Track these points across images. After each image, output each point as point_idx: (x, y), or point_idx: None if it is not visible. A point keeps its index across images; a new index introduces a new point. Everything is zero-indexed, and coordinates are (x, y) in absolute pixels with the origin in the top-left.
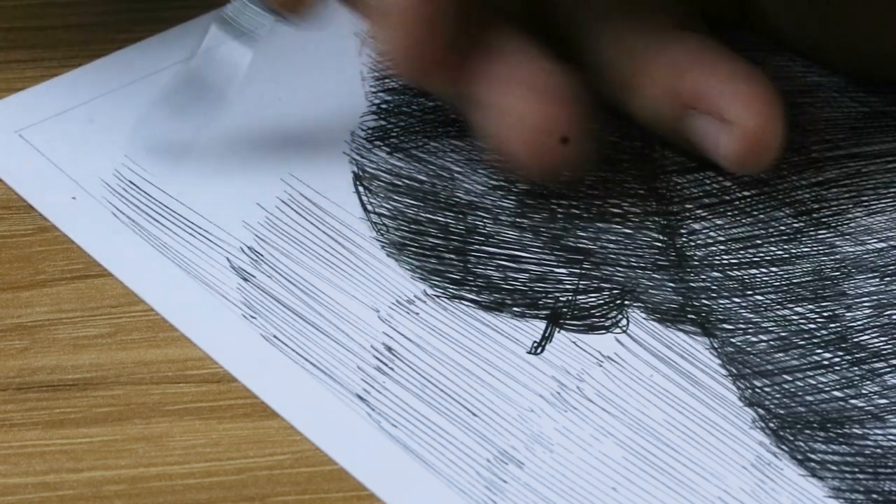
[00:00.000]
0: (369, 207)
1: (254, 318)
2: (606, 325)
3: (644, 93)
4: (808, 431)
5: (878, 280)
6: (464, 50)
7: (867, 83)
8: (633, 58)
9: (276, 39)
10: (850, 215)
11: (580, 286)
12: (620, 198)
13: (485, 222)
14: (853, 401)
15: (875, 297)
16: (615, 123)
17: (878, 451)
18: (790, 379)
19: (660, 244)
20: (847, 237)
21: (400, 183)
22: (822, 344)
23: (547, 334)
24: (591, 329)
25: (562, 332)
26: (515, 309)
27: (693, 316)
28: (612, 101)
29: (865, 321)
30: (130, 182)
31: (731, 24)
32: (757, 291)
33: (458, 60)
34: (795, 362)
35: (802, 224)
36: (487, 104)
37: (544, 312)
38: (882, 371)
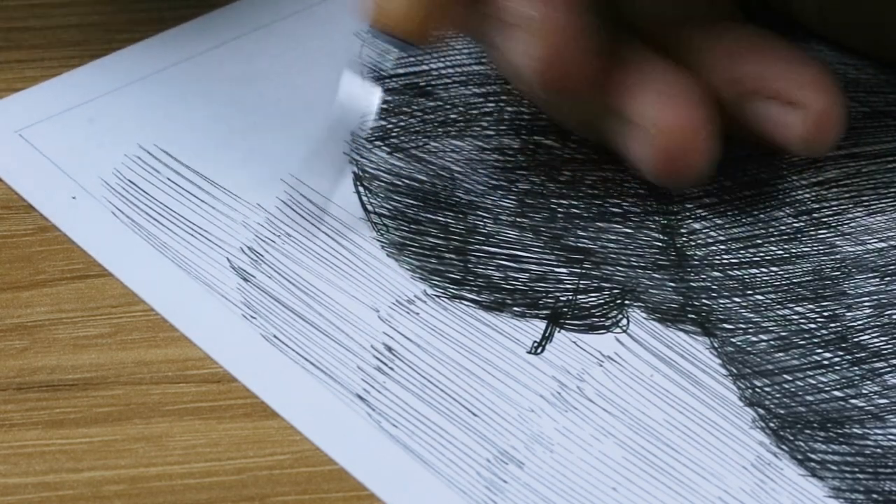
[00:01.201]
0: (369, 207)
1: (254, 318)
2: (607, 324)
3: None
4: (808, 431)
5: (878, 280)
6: (603, 61)
7: (879, 75)
8: (690, 50)
9: (277, 39)
10: (850, 215)
11: (580, 286)
12: (621, 197)
13: (485, 222)
14: (853, 400)
15: (875, 297)
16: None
17: (879, 450)
18: (790, 379)
19: (660, 244)
20: (847, 237)
21: (400, 183)
22: (823, 344)
23: (547, 334)
24: (591, 329)
25: (562, 331)
26: (516, 309)
27: (693, 315)
28: None
29: (866, 321)
30: (130, 182)
31: (753, 10)
32: (757, 291)
33: (599, 72)
34: (796, 362)
35: (803, 224)
36: (629, 114)
37: (545, 312)
38: (882, 371)
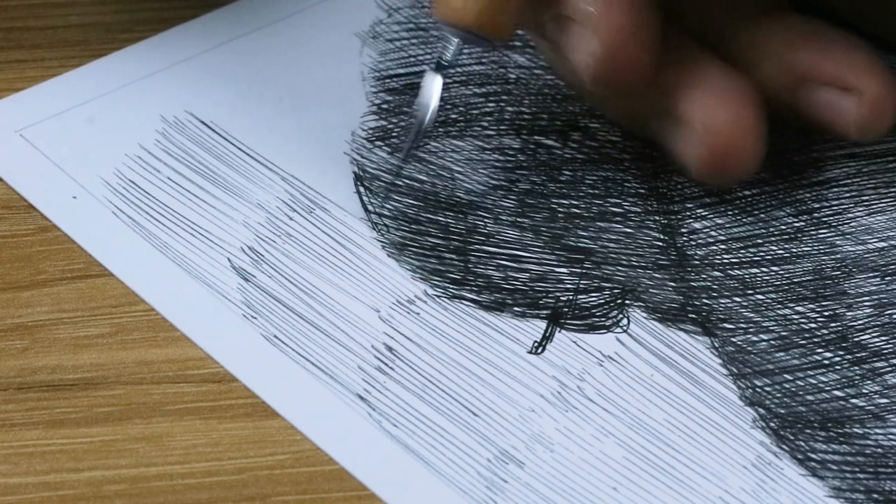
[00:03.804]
0: (370, 207)
1: (254, 318)
2: (607, 324)
3: (759, 71)
4: (808, 431)
5: (878, 279)
6: (657, 60)
7: None
8: (745, 40)
9: (277, 39)
10: (850, 215)
11: (581, 286)
12: (621, 197)
13: (485, 222)
14: (854, 400)
15: (876, 297)
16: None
17: (879, 450)
18: (791, 378)
19: (660, 243)
20: (848, 236)
21: (400, 183)
22: (823, 343)
23: (548, 334)
24: (591, 329)
25: (562, 331)
26: (516, 309)
27: (694, 315)
28: None
29: (866, 320)
30: (131, 181)
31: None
32: (758, 291)
33: (656, 71)
34: (796, 361)
35: (803, 223)
36: (680, 112)
37: (545, 312)
38: (883, 370)
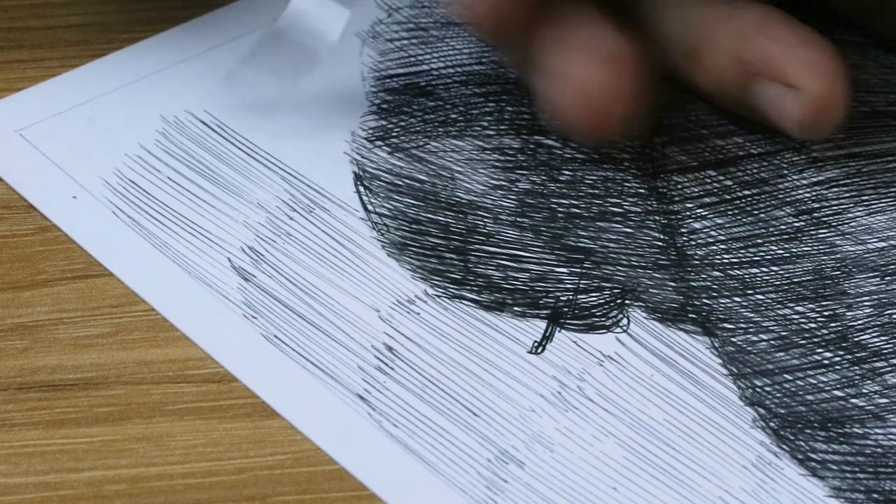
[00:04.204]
0: (370, 207)
1: (254, 317)
2: (607, 324)
3: (709, 62)
4: (808, 431)
5: (878, 279)
6: (536, 11)
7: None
8: (698, 27)
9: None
10: (850, 214)
11: (581, 285)
12: (621, 197)
13: (485, 222)
14: (854, 400)
15: (875, 297)
16: None
17: (879, 450)
18: (791, 378)
19: (660, 243)
20: (847, 236)
21: (400, 183)
22: (823, 343)
23: (548, 334)
24: (591, 328)
25: (562, 331)
26: (516, 308)
27: (694, 315)
28: (675, 72)
29: (866, 320)
30: (131, 181)
31: None
32: (758, 290)
33: (531, 21)
34: (796, 361)
35: (803, 223)
36: (550, 68)
37: (545, 312)
38: (883, 370)
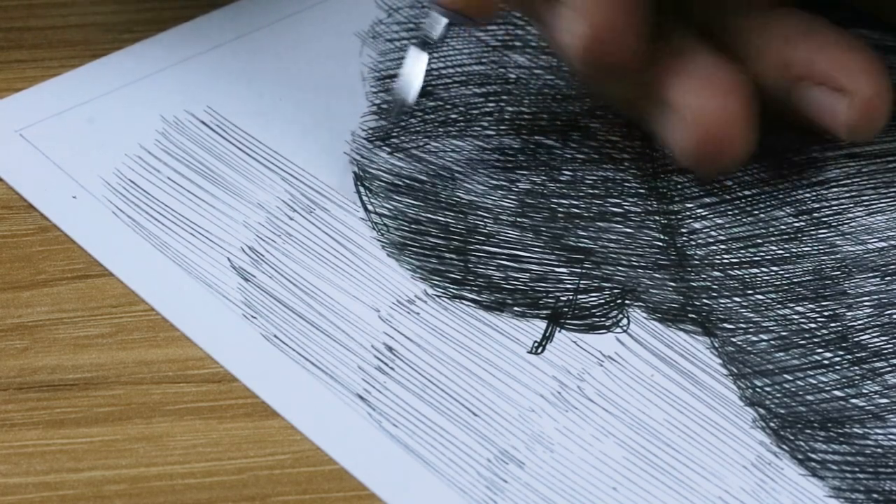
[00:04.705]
0: (370, 207)
1: (254, 317)
2: (607, 324)
3: (755, 66)
4: (808, 431)
5: (878, 279)
6: (647, 44)
7: None
8: (742, 35)
9: (277, 39)
10: (850, 215)
11: (581, 286)
12: (621, 197)
13: (485, 222)
14: (854, 400)
15: (875, 297)
16: (616, 123)
17: (879, 450)
18: (791, 378)
19: (660, 243)
20: (847, 236)
21: (400, 183)
22: (823, 343)
23: (548, 334)
24: (591, 329)
25: (562, 331)
26: (516, 309)
27: (694, 315)
28: None
29: (866, 320)
30: (131, 181)
31: None
32: (758, 291)
33: (643, 55)
34: (796, 362)
35: (803, 223)
36: (669, 99)
37: (545, 312)
38: (882, 370)
